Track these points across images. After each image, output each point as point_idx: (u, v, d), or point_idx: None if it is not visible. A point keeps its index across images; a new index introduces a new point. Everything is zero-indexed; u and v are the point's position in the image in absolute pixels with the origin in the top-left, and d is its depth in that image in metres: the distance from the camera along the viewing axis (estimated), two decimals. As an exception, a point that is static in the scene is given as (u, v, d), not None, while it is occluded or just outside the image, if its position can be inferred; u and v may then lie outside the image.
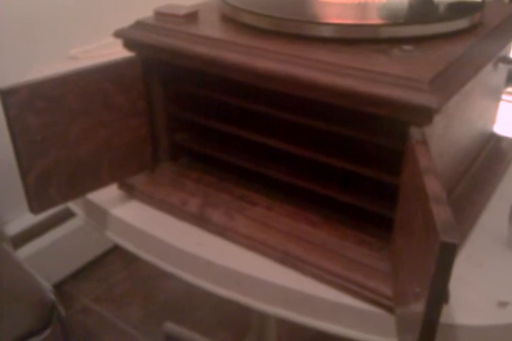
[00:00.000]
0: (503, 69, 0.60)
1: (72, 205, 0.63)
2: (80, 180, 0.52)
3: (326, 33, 0.48)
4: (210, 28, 0.52)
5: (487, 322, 0.43)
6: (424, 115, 0.40)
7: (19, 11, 1.10)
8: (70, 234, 1.31)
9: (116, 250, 1.44)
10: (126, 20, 0.56)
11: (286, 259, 0.49)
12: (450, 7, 0.55)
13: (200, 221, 0.54)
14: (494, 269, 0.48)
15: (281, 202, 0.54)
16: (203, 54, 0.48)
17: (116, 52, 0.55)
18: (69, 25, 1.19)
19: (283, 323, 0.51)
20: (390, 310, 0.43)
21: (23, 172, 0.48)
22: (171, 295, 1.33)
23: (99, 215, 0.59)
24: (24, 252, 1.23)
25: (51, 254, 1.28)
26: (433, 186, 0.34)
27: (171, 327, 1.21)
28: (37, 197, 0.49)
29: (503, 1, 0.86)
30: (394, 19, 0.49)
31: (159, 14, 0.55)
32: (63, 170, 0.50)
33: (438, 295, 0.32)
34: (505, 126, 0.70)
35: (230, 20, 0.54)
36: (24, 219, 1.24)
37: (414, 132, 0.40)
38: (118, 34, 0.54)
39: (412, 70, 0.41)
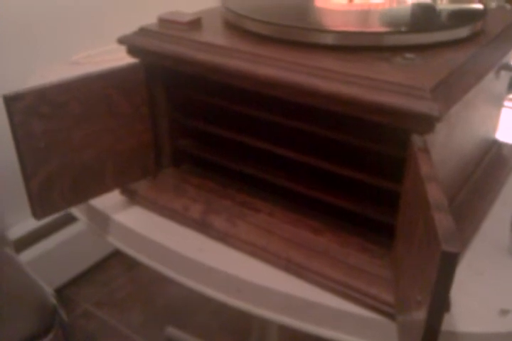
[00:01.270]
0: (505, 76, 0.60)
1: (75, 210, 0.63)
2: (84, 186, 0.52)
3: (329, 40, 0.48)
4: (213, 35, 0.53)
5: (489, 330, 0.43)
6: (426, 123, 0.40)
7: (21, 15, 1.10)
8: (72, 238, 1.31)
9: (117, 255, 1.44)
10: (129, 27, 0.56)
11: (287, 266, 0.49)
12: (452, 15, 0.55)
13: (202, 227, 0.54)
14: (495, 277, 0.48)
15: (283, 208, 0.54)
16: (206, 61, 0.49)
17: (120, 58, 0.55)
18: (71, 31, 1.19)
19: (285, 328, 0.51)
20: (391, 317, 0.43)
21: (27, 178, 0.48)
22: (172, 299, 1.33)
23: (101, 220, 0.59)
24: (26, 256, 1.23)
25: (53, 259, 1.28)
26: (434, 194, 0.35)
27: (172, 331, 1.21)
28: (40, 203, 0.49)
29: (506, 8, 0.86)
30: (396, 27, 0.50)
31: (163, 21, 0.55)
32: (67, 175, 0.51)
33: (440, 303, 0.32)
34: (507, 132, 0.70)
35: (233, 27, 0.54)
36: (27, 223, 1.24)
37: (416, 140, 0.40)
38: (122, 40, 0.54)
39: (414, 78, 0.42)
